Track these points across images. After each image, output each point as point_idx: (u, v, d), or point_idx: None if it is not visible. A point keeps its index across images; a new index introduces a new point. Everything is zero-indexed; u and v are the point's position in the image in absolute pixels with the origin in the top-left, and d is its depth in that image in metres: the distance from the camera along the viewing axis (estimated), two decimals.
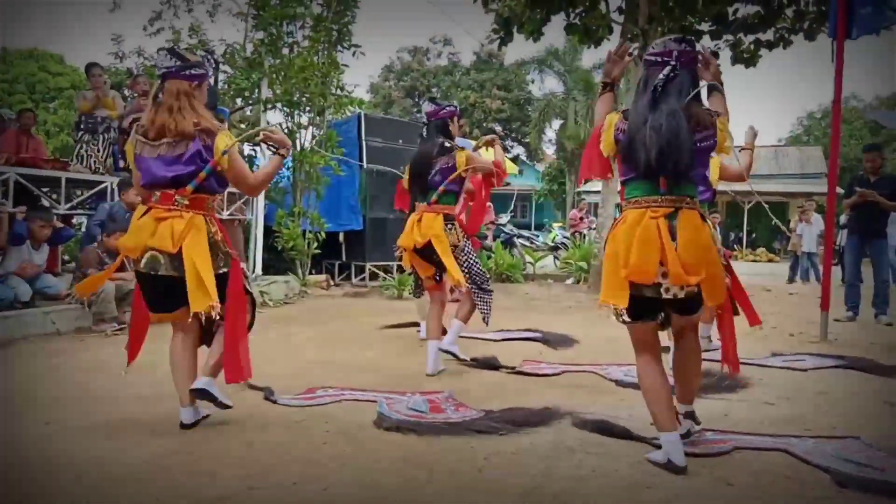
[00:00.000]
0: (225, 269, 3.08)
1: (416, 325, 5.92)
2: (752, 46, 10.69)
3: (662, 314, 2.82)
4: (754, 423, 3.29)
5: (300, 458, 2.78)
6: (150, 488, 2.46)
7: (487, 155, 4.94)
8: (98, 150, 7.67)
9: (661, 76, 2.66)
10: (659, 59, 2.73)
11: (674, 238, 2.60)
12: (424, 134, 4.59)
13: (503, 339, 5.68)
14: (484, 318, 4.56)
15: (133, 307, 3.29)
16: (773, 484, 2.55)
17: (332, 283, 9.93)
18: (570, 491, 2.48)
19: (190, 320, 3.02)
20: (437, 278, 4.60)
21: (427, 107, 4.58)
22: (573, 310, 7.94)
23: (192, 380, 3.12)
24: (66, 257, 8.53)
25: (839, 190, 8.16)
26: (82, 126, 7.81)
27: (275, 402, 3.60)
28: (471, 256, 4.48)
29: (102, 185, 7.07)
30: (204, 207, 3.09)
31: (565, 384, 4.16)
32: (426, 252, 4.40)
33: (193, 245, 2.97)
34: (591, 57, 28.54)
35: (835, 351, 5.24)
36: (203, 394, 3.07)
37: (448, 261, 4.30)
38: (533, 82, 34.45)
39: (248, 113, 10.65)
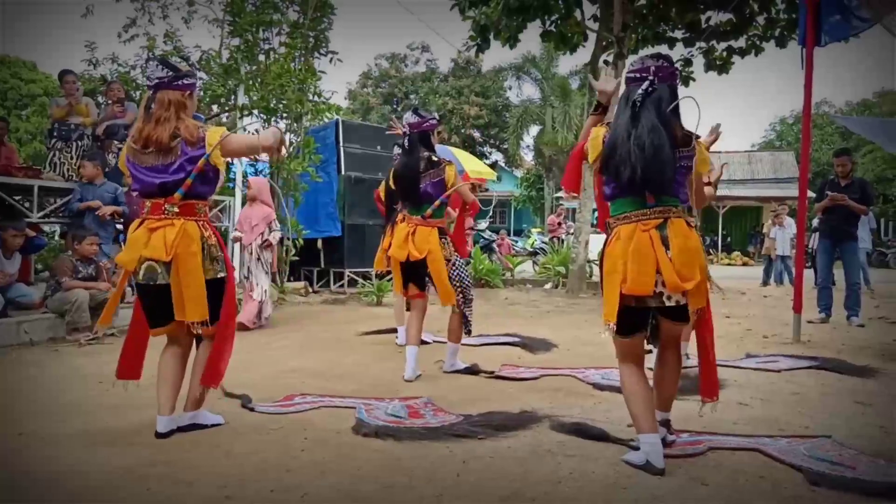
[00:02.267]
0: (222, 275, 3.11)
1: (395, 331, 5.92)
2: (724, 53, 10.90)
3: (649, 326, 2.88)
4: (729, 424, 3.34)
5: (278, 465, 2.77)
6: (126, 498, 2.43)
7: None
8: (71, 158, 7.56)
9: (639, 91, 2.72)
10: (637, 75, 2.80)
11: (667, 247, 2.65)
12: (406, 144, 4.52)
13: (482, 344, 5.69)
14: (467, 328, 4.60)
15: (132, 321, 3.24)
16: (748, 483, 2.59)
17: (310, 289, 9.89)
18: (548, 493, 2.49)
19: (184, 333, 3.10)
20: (421, 287, 4.58)
21: (410, 117, 4.54)
22: (552, 314, 7.98)
23: (176, 390, 3.17)
24: (39, 266, 8.39)
25: (811, 194, 8.30)
26: (55, 133, 7.70)
27: (252, 409, 3.58)
28: (462, 271, 4.52)
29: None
30: (195, 213, 3.09)
31: (544, 388, 4.18)
32: (416, 264, 4.41)
33: (185, 255, 2.98)
34: (567, 64, 28.96)
35: (808, 352, 5.34)
36: (192, 427, 3.20)
37: (442, 282, 4.34)
38: (510, 89, 34.80)
39: (225, 120, 10.58)
